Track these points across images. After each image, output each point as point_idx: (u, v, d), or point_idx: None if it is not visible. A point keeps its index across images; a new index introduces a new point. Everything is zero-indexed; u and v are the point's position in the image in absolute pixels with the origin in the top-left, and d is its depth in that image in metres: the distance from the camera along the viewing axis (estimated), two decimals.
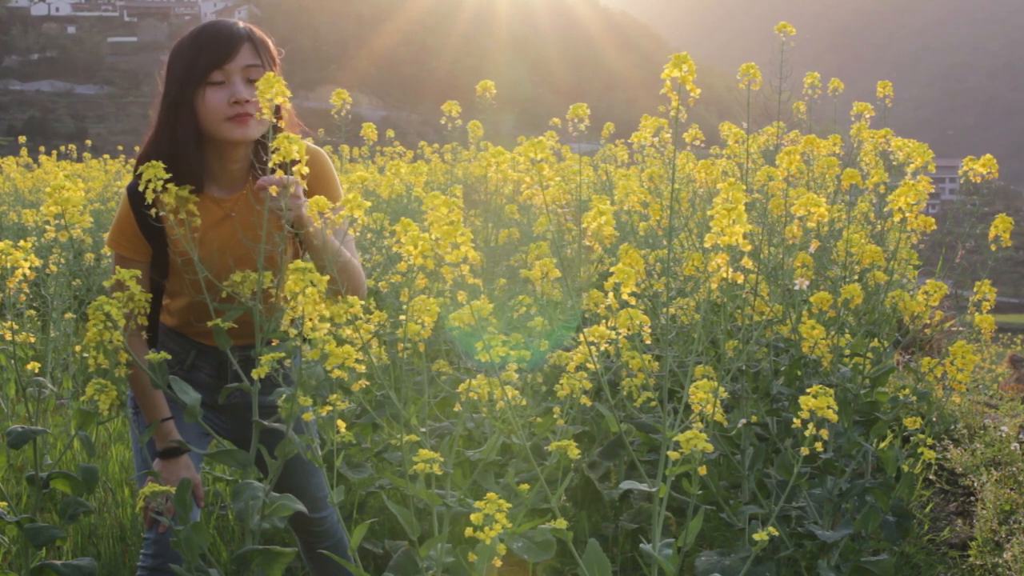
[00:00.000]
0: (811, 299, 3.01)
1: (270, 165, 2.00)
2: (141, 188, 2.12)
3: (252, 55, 2.32)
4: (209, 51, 2.30)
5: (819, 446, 1.90)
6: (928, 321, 3.06)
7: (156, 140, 2.34)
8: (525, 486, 1.85)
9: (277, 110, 2.13)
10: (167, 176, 2.11)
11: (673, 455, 1.80)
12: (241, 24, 2.38)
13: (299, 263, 1.92)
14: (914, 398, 3.09)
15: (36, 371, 2.42)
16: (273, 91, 2.01)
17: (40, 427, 2.36)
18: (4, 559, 3.30)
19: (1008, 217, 2.79)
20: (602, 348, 1.99)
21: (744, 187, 2.27)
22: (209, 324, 2.16)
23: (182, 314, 2.55)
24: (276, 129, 2.06)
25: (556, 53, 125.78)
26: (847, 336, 3.10)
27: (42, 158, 13.23)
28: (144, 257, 2.43)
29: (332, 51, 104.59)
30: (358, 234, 2.09)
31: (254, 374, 2.02)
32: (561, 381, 2.12)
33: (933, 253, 3.43)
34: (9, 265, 2.11)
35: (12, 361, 2.31)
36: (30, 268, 2.15)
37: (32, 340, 2.33)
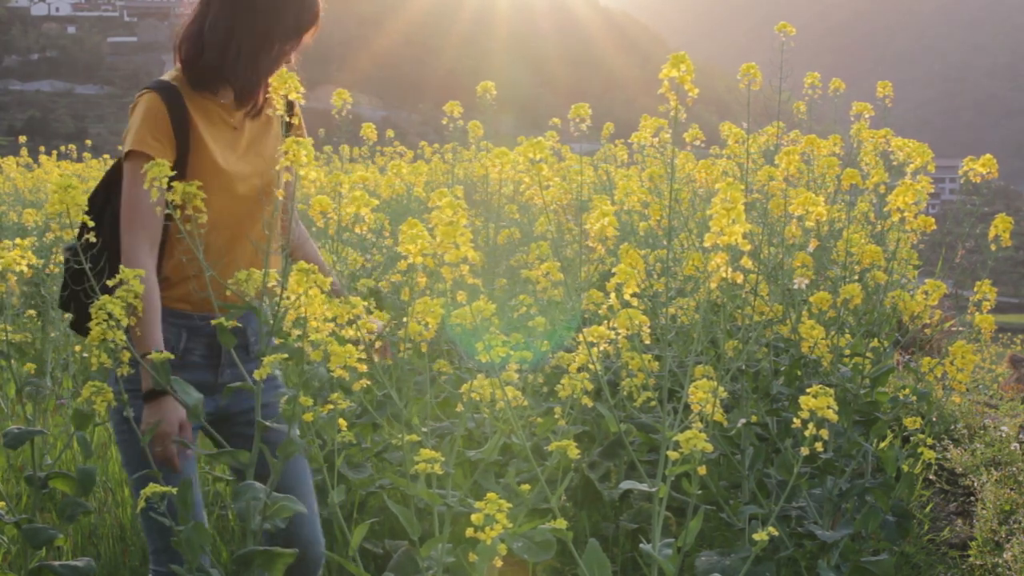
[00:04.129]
0: (811, 299, 3.01)
1: (279, 167, 2.02)
2: (147, 187, 2.09)
3: None
4: (315, 16, 2.47)
5: (819, 446, 1.90)
6: (928, 321, 3.06)
7: (222, 45, 2.42)
8: (526, 486, 1.85)
9: (291, 106, 2.20)
10: (172, 173, 2.10)
11: (673, 455, 1.79)
12: None
13: (303, 264, 1.92)
14: (914, 398, 3.09)
15: (32, 372, 2.43)
16: (287, 86, 2.04)
17: (39, 427, 2.36)
18: (4, 559, 3.30)
19: (1008, 217, 2.79)
20: (602, 348, 1.99)
21: (744, 187, 2.28)
22: (213, 323, 2.14)
23: (178, 270, 2.42)
24: (288, 126, 2.11)
25: (556, 53, 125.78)
26: (847, 336, 3.10)
27: (42, 158, 13.22)
28: (170, 159, 2.34)
29: (332, 51, 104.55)
30: (362, 233, 2.10)
31: (257, 375, 2.02)
32: (563, 381, 2.12)
33: (933, 253, 3.43)
34: (3, 268, 2.11)
35: (10, 362, 2.31)
36: (28, 266, 2.15)
37: (28, 339, 2.33)
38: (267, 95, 2.26)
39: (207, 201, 2.09)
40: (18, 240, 2.18)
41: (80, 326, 2.41)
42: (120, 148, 2.44)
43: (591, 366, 2.07)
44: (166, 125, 2.37)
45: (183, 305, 2.45)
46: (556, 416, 2.47)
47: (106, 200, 2.47)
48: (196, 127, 2.39)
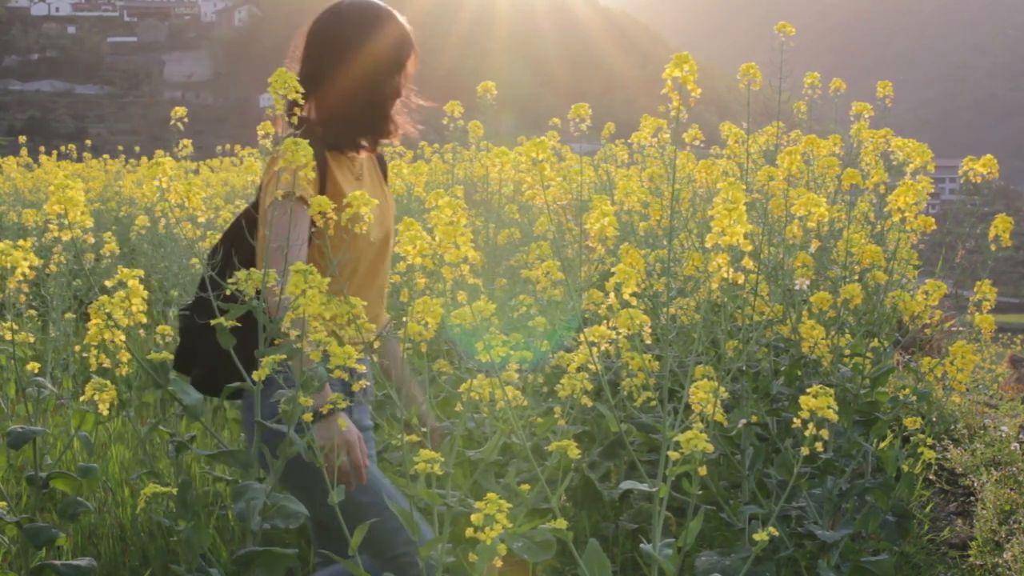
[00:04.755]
0: (811, 299, 3.01)
1: (276, 168, 2.04)
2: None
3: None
4: (409, 43, 2.57)
5: (819, 446, 1.90)
6: (928, 321, 3.06)
7: (347, 100, 2.51)
8: (526, 486, 1.85)
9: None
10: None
11: (673, 455, 1.79)
12: None
13: (299, 264, 1.92)
14: (914, 398, 3.09)
15: (36, 371, 2.42)
16: (287, 87, 2.04)
17: (40, 427, 2.36)
18: (4, 559, 3.30)
19: (1008, 217, 2.79)
20: (602, 348, 1.99)
21: (744, 187, 2.27)
22: (212, 323, 2.14)
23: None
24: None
25: (556, 53, 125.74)
26: (847, 336, 3.10)
27: (42, 158, 13.22)
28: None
29: None
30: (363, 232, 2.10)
31: (256, 375, 2.01)
32: (562, 381, 2.12)
33: (933, 253, 3.42)
34: (9, 265, 2.10)
35: (12, 361, 2.31)
36: (30, 267, 2.15)
37: (31, 340, 2.33)
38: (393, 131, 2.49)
39: (338, 247, 2.18)
40: (21, 242, 2.18)
41: (210, 383, 2.41)
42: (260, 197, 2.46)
43: (591, 366, 2.07)
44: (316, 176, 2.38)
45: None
46: (556, 416, 2.47)
47: (229, 252, 2.43)
48: (332, 173, 2.48)
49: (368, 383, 2.47)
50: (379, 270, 2.57)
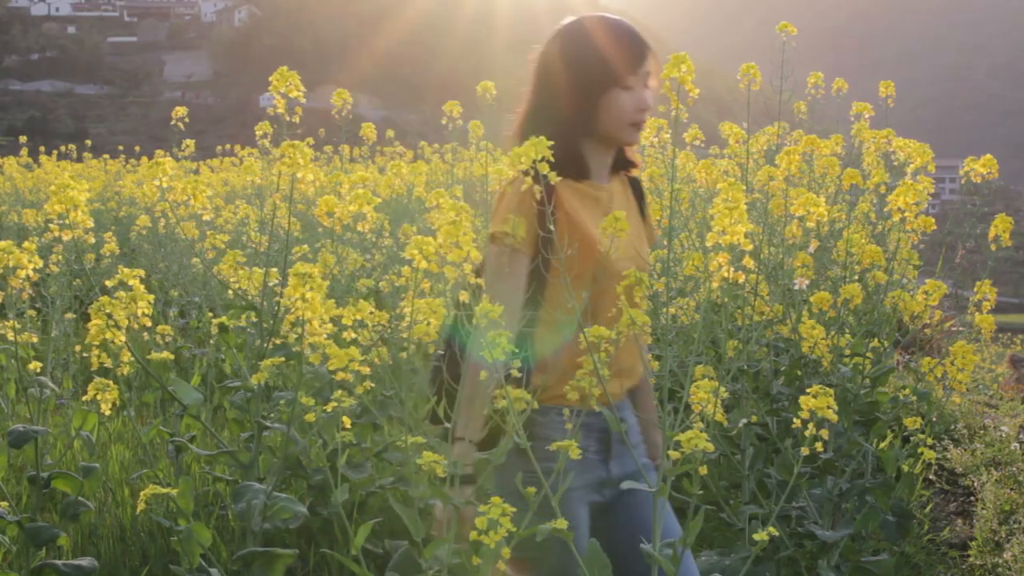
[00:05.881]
0: (811, 299, 3.01)
1: (275, 170, 2.01)
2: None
3: (652, 61, 2.32)
4: (628, 53, 2.29)
5: (819, 446, 1.90)
6: (928, 321, 3.06)
7: (551, 129, 2.12)
8: (532, 489, 1.85)
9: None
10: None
11: (673, 455, 1.79)
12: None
13: (299, 266, 1.91)
14: (914, 398, 3.10)
15: (37, 371, 2.43)
16: (287, 85, 2.04)
17: (40, 427, 2.36)
18: (5, 559, 3.30)
19: (1008, 217, 2.79)
20: (603, 348, 1.99)
21: (744, 187, 2.27)
22: (214, 321, 2.14)
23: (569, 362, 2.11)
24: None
25: None
26: (847, 336, 3.11)
27: (42, 158, 13.23)
28: (530, 251, 2.20)
29: (332, 51, 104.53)
30: (363, 232, 2.10)
31: (255, 378, 2.02)
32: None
33: (933, 253, 3.43)
34: (12, 265, 2.10)
35: (13, 361, 2.31)
36: (33, 269, 2.15)
37: (34, 340, 2.33)
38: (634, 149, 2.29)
39: (583, 283, 2.02)
40: (26, 243, 2.18)
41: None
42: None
43: (588, 363, 2.06)
44: (529, 205, 2.10)
45: (573, 402, 2.09)
46: None
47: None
48: (563, 204, 2.21)
49: (627, 425, 2.31)
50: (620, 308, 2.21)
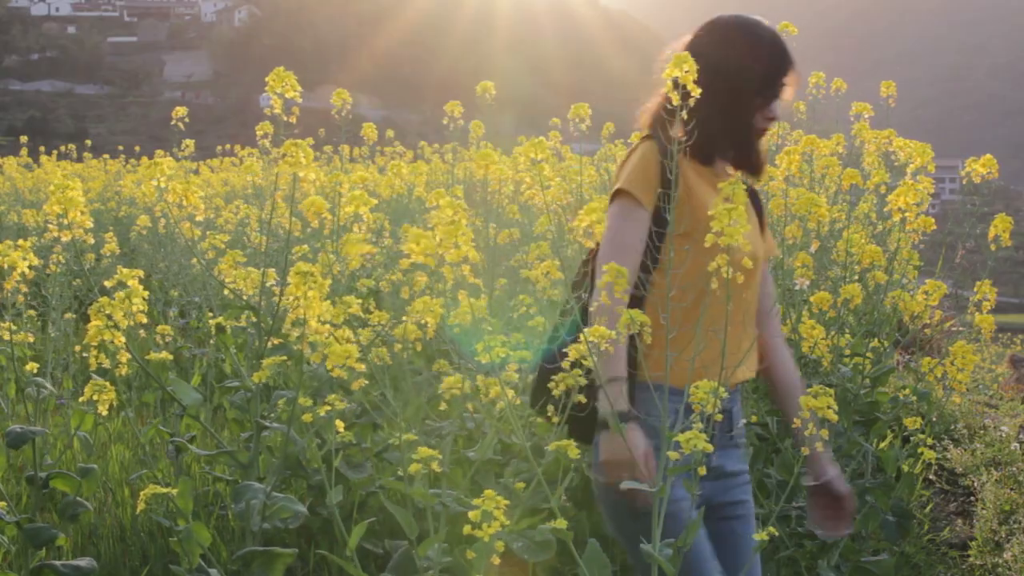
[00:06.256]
0: (811, 299, 3.01)
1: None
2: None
3: (792, 75, 2.39)
4: (779, 69, 2.35)
5: (819, 446, 1.90)
6: (928, 321, 3.06)
7: (703, 120, 2.11)
8: (521, 484, 1.85)
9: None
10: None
11: (673, 455, 1.79)
12: None
13: (300, 265, 1.91)
14: (914, 398, 3.10)
15: (35, 371, 2.42)
16: (284, 85, 2.04)
17: (39, 427, 2.36)
18: (4, 559, 3.30)
19: (1008, 217, 2.79)
20: (603, 348, 1.99)
21: (744, 187, 2.27)
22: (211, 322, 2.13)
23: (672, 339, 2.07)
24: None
25: (556, 53, 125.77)
26: (847, 336, 3.10)
27: (42, 158, 13.23)
28: (650, 208, 2.26)
29: (332, 51, 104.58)
30: (362, 232, 2.09)
31: (255, 377, 2.01)
32: (555, 378, 2.10)
33: (933, 253, 3.43)
34: (6, 266, 2.10)
35: (12, 361, 2.31)
36: (29, 267, 2.15)
37: (31, 340, 2.33)
38: (762, 157, 2.32)
39: (694, 258, 2.03)
40: (20, 242, 2.18)
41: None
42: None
43: (586, 363, 2.06)
44: (655, 175, 2.25)
45: (674, 381, 2.10)
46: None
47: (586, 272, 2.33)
48: (687, 179, 2.27)
49: (739, 423, 2.38)
50: (739, 306, 2.27)
